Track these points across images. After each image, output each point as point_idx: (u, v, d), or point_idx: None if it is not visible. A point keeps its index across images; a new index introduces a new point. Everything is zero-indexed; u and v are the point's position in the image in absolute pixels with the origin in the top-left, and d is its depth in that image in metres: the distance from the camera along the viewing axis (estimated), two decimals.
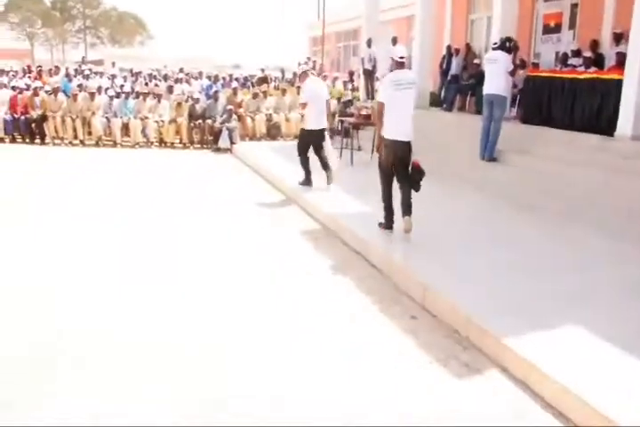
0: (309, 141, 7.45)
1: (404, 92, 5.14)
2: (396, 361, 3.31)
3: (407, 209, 5.17)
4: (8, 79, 13.29)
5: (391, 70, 5.39)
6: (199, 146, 11.97)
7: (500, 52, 8.24)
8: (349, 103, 12.51)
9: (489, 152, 8.11)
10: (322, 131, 7.46)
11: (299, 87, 13.22)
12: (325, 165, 7.40)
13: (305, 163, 7.50)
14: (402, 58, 5.21)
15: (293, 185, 7.59)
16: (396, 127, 5.13)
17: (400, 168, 5.19)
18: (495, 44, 8.78)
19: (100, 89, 12.53)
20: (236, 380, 3.04)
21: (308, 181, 7.52)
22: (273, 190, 8.04)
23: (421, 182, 5.16)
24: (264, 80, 14.32)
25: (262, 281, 4.50)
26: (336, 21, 24.28)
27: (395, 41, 13.31)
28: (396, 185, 5.32)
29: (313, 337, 3.57)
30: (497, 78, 7.99)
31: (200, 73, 14.83)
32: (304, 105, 7.47)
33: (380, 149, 5.25)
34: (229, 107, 11.89)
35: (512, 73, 8.45)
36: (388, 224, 5.36)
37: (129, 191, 7.66)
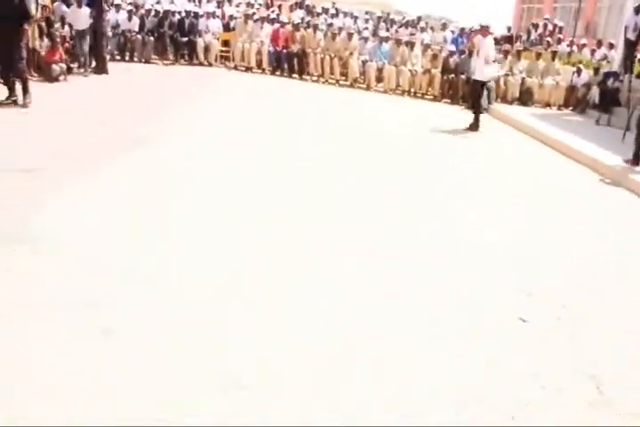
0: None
1: None
2: None
3: None
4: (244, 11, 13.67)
5: None
6: (449, 101, 11.83)
7: None
8: (613, 75, 11.64)
9: None
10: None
11: (554, 52, 12.56)
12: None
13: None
14: None
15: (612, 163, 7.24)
16: None
17: None
18: None
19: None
20: None
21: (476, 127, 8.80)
22: (576, 166, 7.69)
23: None
24: (509, 39, 13.70)
25: None
26: None
27: None
28: None
29: None
30: None
31: (444, 24, 14.43)
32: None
33: None
34: None
35: None
36: None
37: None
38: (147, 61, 12.49)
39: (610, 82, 11.49)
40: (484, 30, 9.02)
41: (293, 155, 5.98)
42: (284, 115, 8.37)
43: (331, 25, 13.16)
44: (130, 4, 12.89)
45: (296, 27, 12.44)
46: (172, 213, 3.98)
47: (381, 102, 10.93)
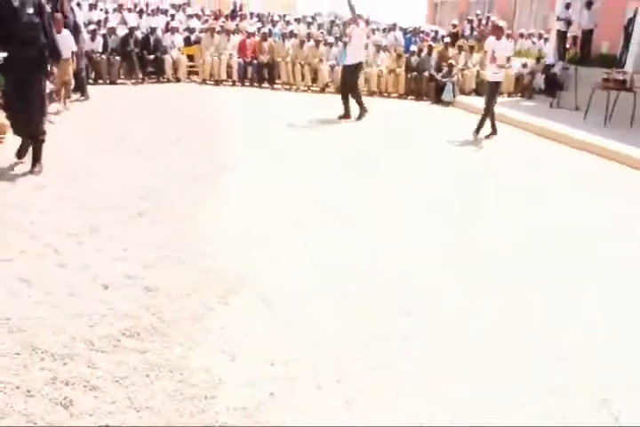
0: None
1: None
2: None
3: None
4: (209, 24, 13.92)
5: None
6: (413, 97, 12.69)
7: None
8: (555, 63, 12.94)
9: None
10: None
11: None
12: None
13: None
14: None
15: None
16: None
17: None
18: None
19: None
20: None
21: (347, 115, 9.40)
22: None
23: None
24: (456, 36, 14.80)
25: None
26: None
27: (590, 5, 13.62)
28: None
29: None
30: None
31: (394, 25, 15.31)
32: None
33: None
34: (451, 61, 12.52)
35: None
36: None
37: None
38: (112, 82, 12.14)
39: (554, 69, 12.87)
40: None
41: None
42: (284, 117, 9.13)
43: (292, 32, 13.57)
44: (92, 23, 12.68)
45: (263, 37, 12.81)
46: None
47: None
